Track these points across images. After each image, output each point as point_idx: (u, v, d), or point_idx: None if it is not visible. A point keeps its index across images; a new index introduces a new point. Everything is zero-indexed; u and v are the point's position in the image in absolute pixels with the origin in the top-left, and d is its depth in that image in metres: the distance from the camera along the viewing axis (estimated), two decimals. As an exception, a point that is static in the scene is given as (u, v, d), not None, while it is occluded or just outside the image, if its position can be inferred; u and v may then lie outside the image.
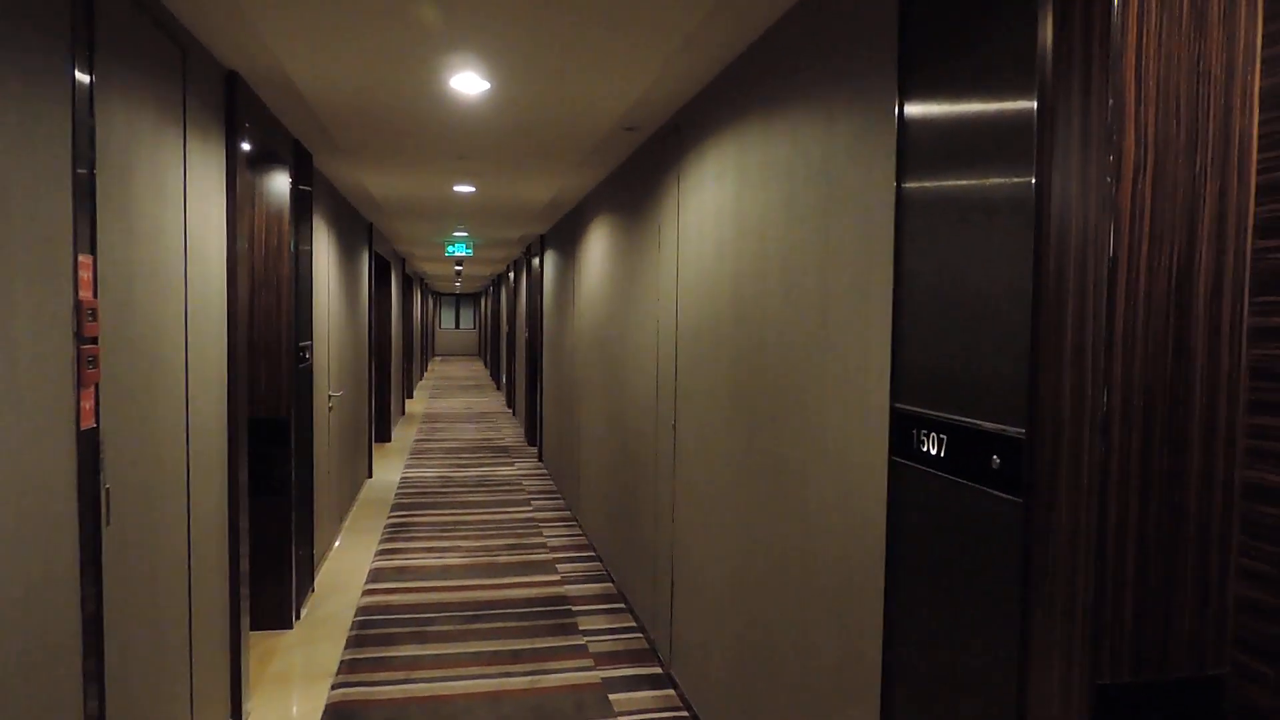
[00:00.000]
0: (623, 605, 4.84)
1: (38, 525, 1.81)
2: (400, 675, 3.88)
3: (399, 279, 13.57)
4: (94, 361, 2.03)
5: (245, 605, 3.45)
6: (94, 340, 2.04)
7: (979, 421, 1.53)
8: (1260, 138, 1.33)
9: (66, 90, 1.94)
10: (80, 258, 1.98)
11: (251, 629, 4.38)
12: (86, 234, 2.02)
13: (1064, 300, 1.36)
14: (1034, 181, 1.41)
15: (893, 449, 1.83)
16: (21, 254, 1.74)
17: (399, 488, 8.00)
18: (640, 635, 4.39)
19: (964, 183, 1.62)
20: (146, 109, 2.44)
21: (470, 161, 5.14)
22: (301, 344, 4.66)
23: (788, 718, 2.49)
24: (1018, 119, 1.47)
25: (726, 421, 3.10)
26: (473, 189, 6.20)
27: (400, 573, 5.39)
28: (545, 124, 4.11)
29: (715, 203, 3.27)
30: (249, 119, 3.46)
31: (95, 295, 2.06)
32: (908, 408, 1.77)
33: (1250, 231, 1.33)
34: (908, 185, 1.82)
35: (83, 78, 2.01)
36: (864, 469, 2.03)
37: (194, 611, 2.89)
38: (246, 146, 3.81)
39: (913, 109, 1.81)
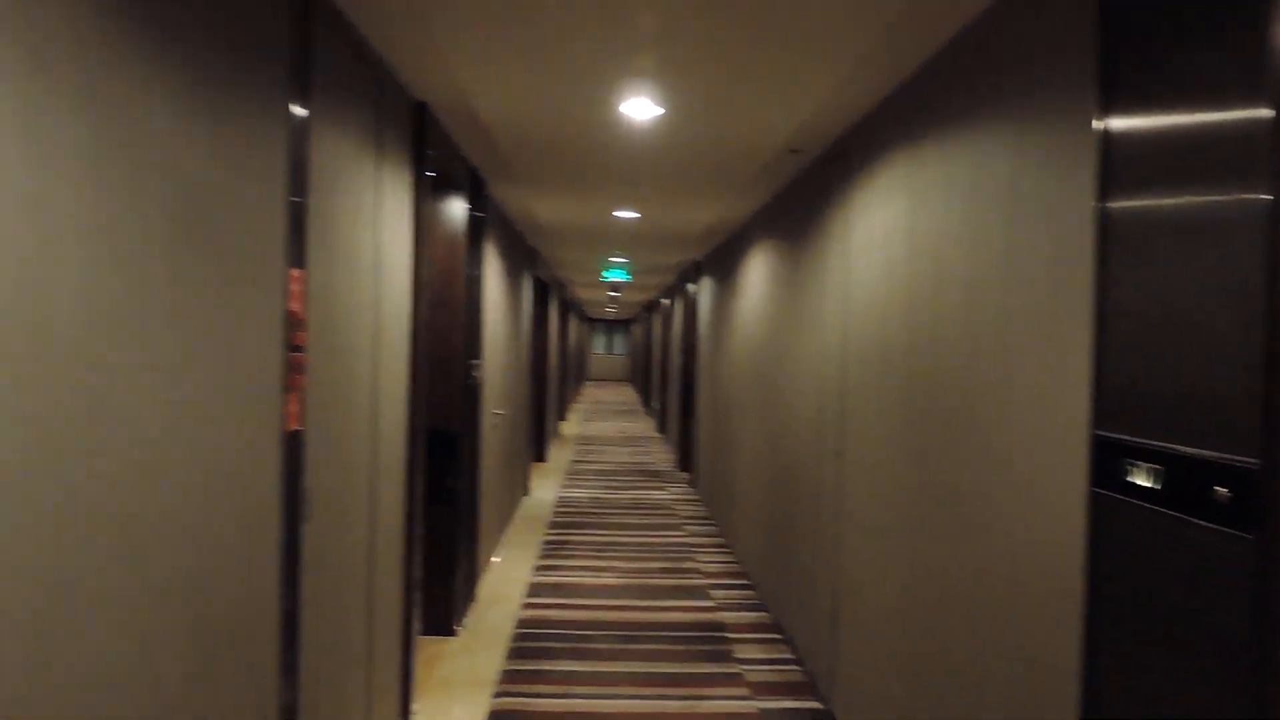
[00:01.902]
0: (779, 635, 4.74)
1: (248, 519, 1.95)
2: (559, 689, 3.93)
3: (558, 304, 13.97)
4: (300, 368, 2.17)
5: (417, 610, 3.59)
6: (301, 348, 2.19)
7: (1201, 451, 1.41)
8: None
9: (285, 123, 2.10)
10: (292, 271, 2.13)
11: (421, 634, 4.56)
12: (298, 250, 2.18)
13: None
14: (1270, 197, 1.29)
15: (1094, 480, 1.71)
16: (247, 268, 1.89)
17: (555, 506, 8.18)
18: (798, 667, 4.28)
19: (1183, 200, 1.50)
20: (348, 138, 2.61)
21: (636, 187, 5.24)
22: (470, 362, 4.86)
23: (964, 762, 2.36)
24: (1247, 128, 1.35)
25: (896, 448, 2.99)
26: (635, 215, 6.32)
27: (557, 588, 5.49)
28: (713, 148, 4.14)
29: (886, 224, 3.19)
30: (433, 147, 3.66)
31: (303, 307, 2.21)
32: (1114, 436, 1.65)
33: None
34: (1113, 203, 1.70)
35: (299, 111, 2.17)
36: (1056, 501, 1.90)
37: (372, 612, 3.04)
38: (430, 173, 4.03)
39: (1117, 122, 1.70)
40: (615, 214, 6.33)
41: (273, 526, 2.09)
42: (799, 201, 4.71)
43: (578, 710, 3.72)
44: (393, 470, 3.25)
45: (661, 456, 11.93)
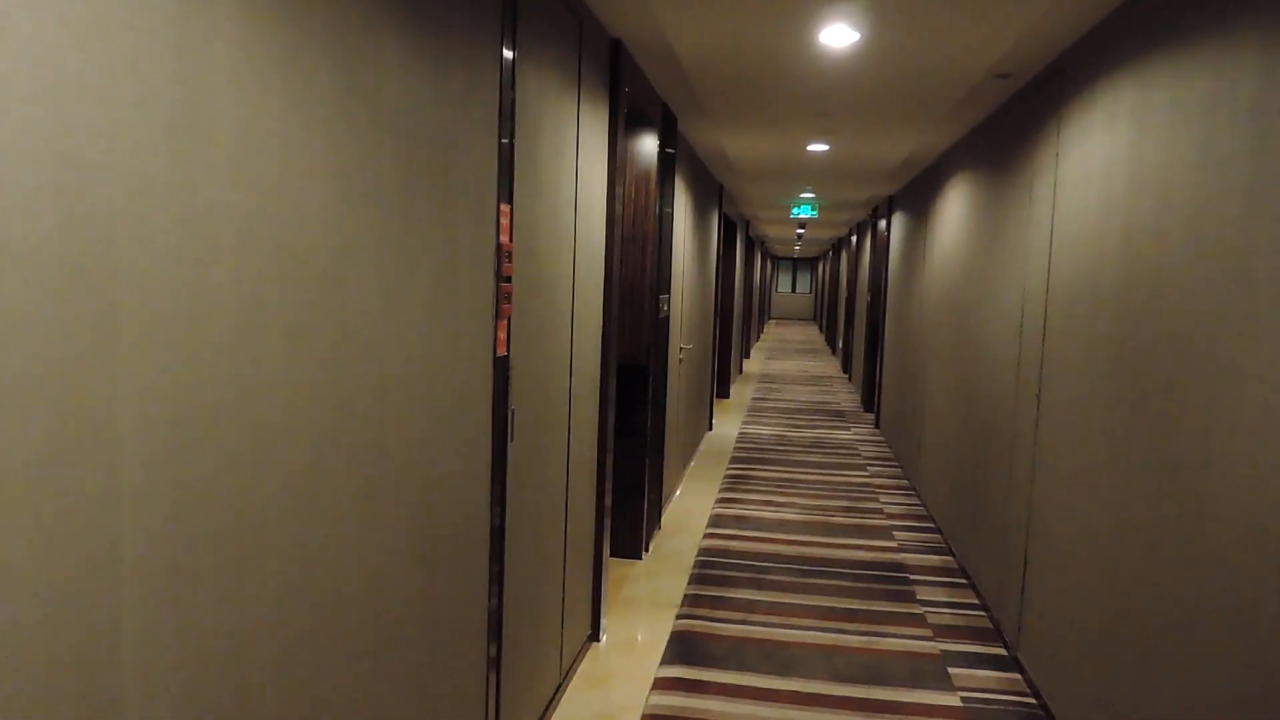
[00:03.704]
0: (964, 580, 4.64)
1: (466, 440, 2.13)
2: (739, 615, 4.05)
3: (743, 241, 13.91)
4: (508, 297, 2.33)
5: (607, 534, 3.79)
6: (509, 279, 2.34)
7: None
8: None
9: (496, 65, 2.22)
10: (501, 206, 2.27)
11: (610, 556, 4.81)
12: (506, 186, 2.31)
13: None
14: None
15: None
16: (463, 203, 2.04)
17: (737, 442, 8.28)
18: (983, 613, 4.19)
19: None
20: (549, 78, 2.72)
21: (829, 119, 5.11)
22: (659, 297, 4.97)
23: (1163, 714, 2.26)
24: None
25: (1104, 391, 2.83)
26: (826, 148, 6.17)
27: (738, 521, 5.61)
28: (912, 75, 3.97)
29: (1103, 152, 2.97)
30: (628, 84, 3.72)
31: (510, 240, 2.35)
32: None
33: None
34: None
35: (508, 54, 2.28)
36: (1289, 451, 1.76)
37: (567, 532, 3.24)
38: (625, 111, 4.10)
39: None
40: (808, 148, 6.21)
41: (484, 447, 2.27)
42: (1003, 131, 4.44)
43: (756, 637, 3.82)
44: (587, 398, 3.41)
45: (845, 396, 11.75)
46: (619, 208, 3.68)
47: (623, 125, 3.71)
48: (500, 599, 2.44)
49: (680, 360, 6.29)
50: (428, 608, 1.96)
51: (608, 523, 3.80)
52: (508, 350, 2.38)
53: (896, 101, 4.54)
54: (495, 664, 2.44)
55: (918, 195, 7.38)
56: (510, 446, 2.45)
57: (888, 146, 6.05)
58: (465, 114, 2.03)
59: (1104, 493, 2.78)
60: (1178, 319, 2.33)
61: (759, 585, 4.46)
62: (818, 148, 6.16)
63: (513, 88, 2.33)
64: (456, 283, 2.02)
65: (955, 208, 5.69)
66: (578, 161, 3.10)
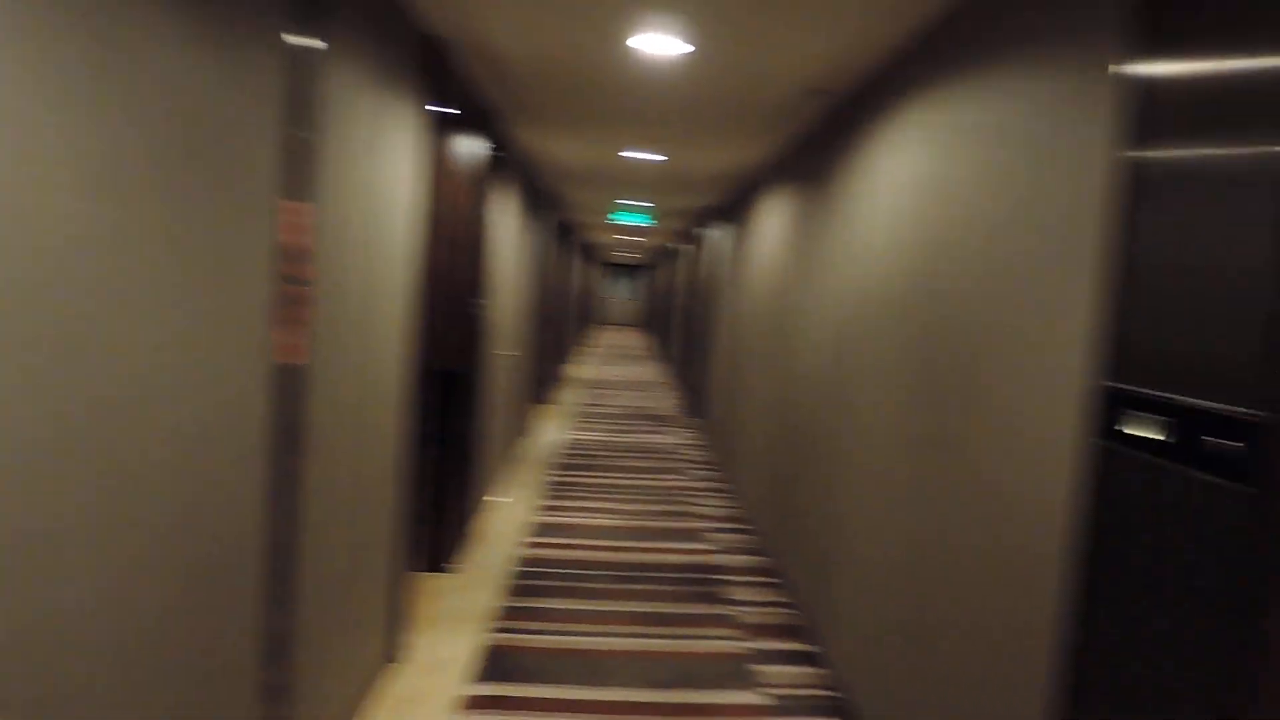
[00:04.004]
0: (777, 580, 4.77)
1: (235, 450, 1.94)
2: (554, 626, 3.97)
3: (571, 246, 13.89)
4: (301, 301, 2.14)
5: (413, 546, 3.61)
6: (304, 282, 2.15)
7: (1206, 403, 1.37)
8: None
9: (280, 51, 2.04)
10: (290, 204, 2.09)
11: (417, 571, 4.61)
12: (304, 183, 2.13)
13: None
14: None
15: (1094, 430, 1.67)
16: (248, 200, 1.85)
17: (560, 449, 8.21)
18: (793, 611, 4.31)
19: (1211, 151, 1.44)
20: (363, 70, 2.55)
21: (652, 127, 5.14)
22: (479, 302, 4.82)
23: (946, 708, 2.37)
24: None
25: (900, 398, 2.96)
26: (653, 156, 6.22)
27: (557, 529, 5.53)
28: (733, 89, 4.03)
29: (899, 170, 3.11)
30: (447, 82, 3.58)
31: (308, 241, 2.17)
32: (1120, 386, 1.61)
33: None
34: (1135, 152, 1.64)
35: (297, 41, 2.11)
36: (1053, 451, 1.87)
37: (365, 546, 3.05)
38: (442, 109, 3.95)
39: (1146, 69, 1.63)
40: (631, 154, 6.23)
41: (261, 460, 2.08)
42: (819, 146, 4.61)
43: (571, 647, 3.76)
44: (393, 406, 3.24)
45: (671, 402, 11.94)
46: (437, 208, 3.53)
47: (442, 125, 3.56)
48: (286, 620, 2.24)
49: (502, 366, 6.16)
50: (186, 629, 1.76)
51: (413, 533, 3.62)
52: (301, 357, 2.19)
53: (717, 113, 4.62)
54: (279, 690, 2.24)
55: (742, 205, 7.58)
56: (302, 458, 2.26)
57: (711, 157, 6.17)
58: (241, 102, 1.85)
59: (899, 499, 2.90)
60: (961, 331, 2.45)
61: (575, 594, 4.40)
62: (643, 155, 6.20)
63: (314, 79, 2.16)
64: (233, 286, 1.84)
65: (775, 218, 5.87)
66: (390, 160, 2.93)
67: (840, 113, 4.08)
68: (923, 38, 2.96)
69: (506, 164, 5.80)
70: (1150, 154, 1.60)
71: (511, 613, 4.11)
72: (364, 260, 2.76)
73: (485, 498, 5.89)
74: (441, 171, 4.50)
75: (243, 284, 1.92)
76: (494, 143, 4.96)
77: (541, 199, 8.82)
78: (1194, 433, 1.39)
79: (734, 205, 7.86)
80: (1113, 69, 1.73)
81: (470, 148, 4.57)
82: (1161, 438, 1.46)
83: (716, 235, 9.13)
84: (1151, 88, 1.61)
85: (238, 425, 1.94)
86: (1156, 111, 1.59)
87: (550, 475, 7.06)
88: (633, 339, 26.18)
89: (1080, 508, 1.70)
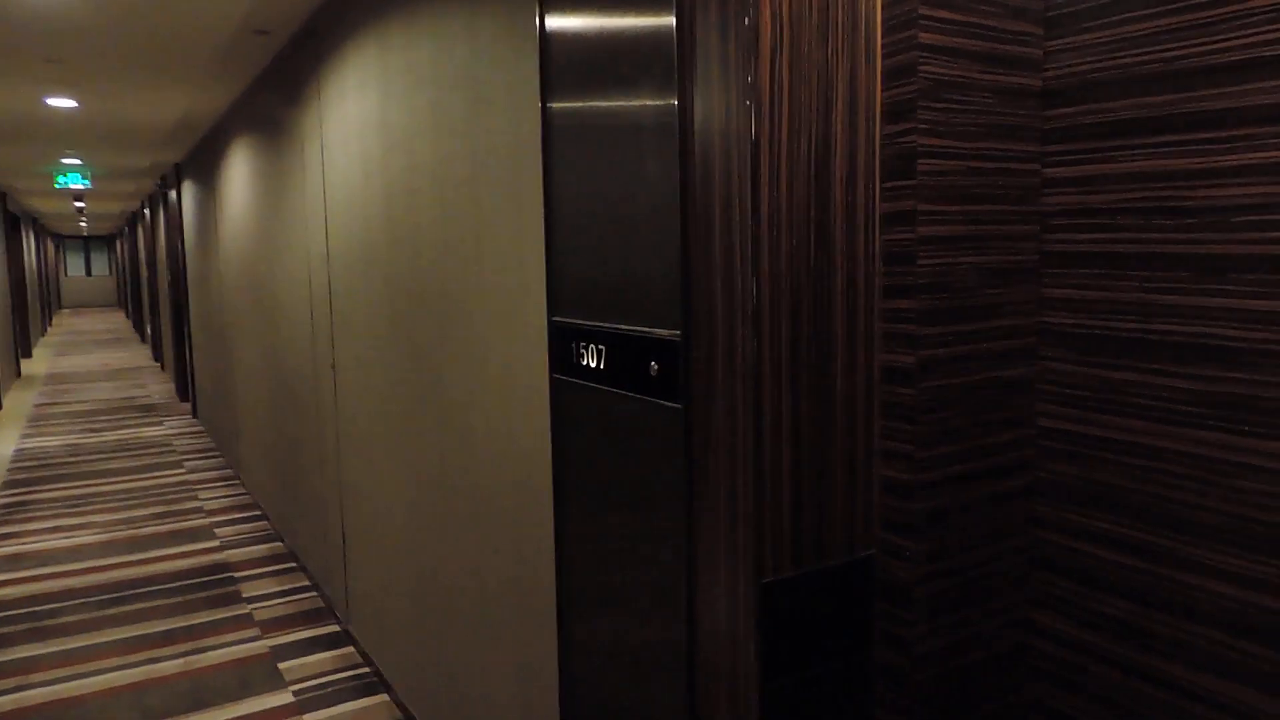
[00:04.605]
0: (294, 564, 4.44)
1: None
2: (11, 683, 3.25)
3: (2, 217, 11.43)
4: None
5: None
6: None
7: (637, 328, 1.45)
8: (884, 21, 1.33)
9: None
10: None
11: None
12: None
13: (710, 195, 1.29)
14: (676, 101, 1.32)
15: (553, 366, 1.72)
16: None
17: (11, 463, 6.78)
18: (314, 594, 4.05)
19: (607, 103, 1.50)
20: None
21: (65, 68, 4.28)
22: None
23: (467, 654, 2.37)
24: (656, 34, 1.36)
25: (386, 353, 2.85)
26: (75, 104, 5.22)
27: (12, 561, 4.55)
28: (158, 24, 3.47)
29: (360, 114, 2.95)
30: None
31: None
32: (566, 321, 1.65)
33: (879, 117, 1.33)
34: (551, 102, 1.67)
35: None
36: (527, 390, 1.91)
37: None
38: None
39: (552, 21, 1.65)
40: (50, 102, 5.17)
41: None
42: (274, 92, 4.22)
43: (40, 701, 3.10)
44: None
45: (158, 389, 10.54)
46: None
47: None
48: None
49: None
50: None
51: None
52: None
53: (144, 54, 3.98)
54: None
55: (204, 162, 6.78)
56: None
57: (151, 106, 5.36)
58: None
59: (400, 455, 2.81)
60: (434, 277, 2.40)
61: (41, 635, 3.65)
62: (63, 102, 5.18)
63: None
64: None
65: (239, 173, 5.32)
66: None
67: (293, 55, 3.76)
68: (364, -28, 2.79)
69: None
70: (558, 104, 1.64)
71: (-53, 681, 3.27)
72: None
73: (-100, 544, 4.62)
74: None
75: None
76: None
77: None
78: (628, 357, 1.46)
79: (200, 162, 7.01)
80: (535, 19, 1.74)
81: None
82: (602, 365, 1.53)
83: (185, 195, 8.10)
84: (554, 40, 1.64)
85: None
86: (559, 63, 1.63)
87: (3, 497, 5.79)
88: (109, 320, 22.65)
89: (552, 440, 1.75)
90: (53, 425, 8.30)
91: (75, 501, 5.65)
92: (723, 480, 1.30)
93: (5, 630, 3.70)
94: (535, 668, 1.98)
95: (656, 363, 1.39)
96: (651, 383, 1.41)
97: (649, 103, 1.40)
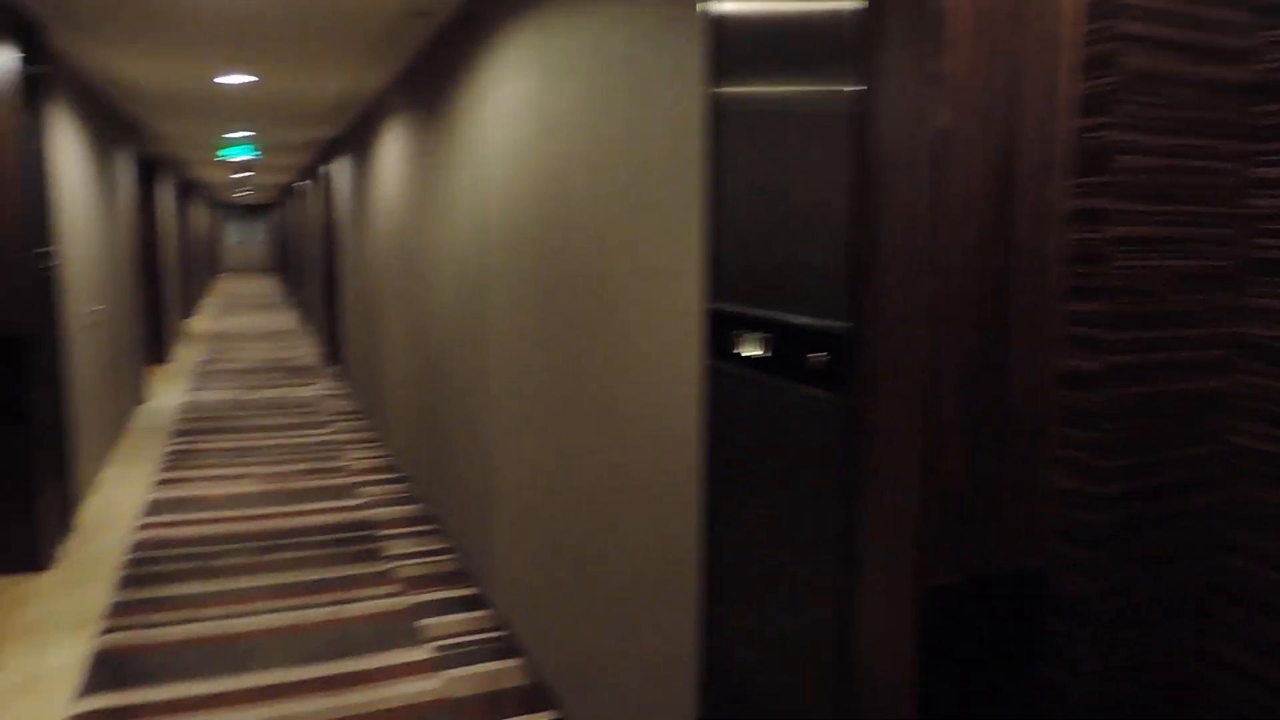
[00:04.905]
0: (434, 527, 4.64)
1: None
2: (182, 615, 3.53)
3: (174, 185, 12.30)
4: None
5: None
6: None
7: (801, 318, 1.44)
8: (1081, 10, 1.27)
9: None
10: None
11: (2, 574, 3.86)
12: None
13: (887, 185, 1.26)
14: (856, 87, 1.30)
15: (708, 352, 1.72)
16: None
17: (180, 413, 7.33)
18: (452, 557, 4.22)
19: (781, 88, 1.49)
20: None
21: (244, 47, 4.55)
22: (41, 251, 4.04)
23: (605, 629, 2.42)
24: (836, 19, 1.34)
25: (534, 331, 2.92)
26: (251, 79, 5.56)
27: (181, 504, 4.93)
28: (330, 4, 3.65)
29: (518, 97, 3.02)
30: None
31: None
32: (725, 308, 1.66)
33: (1072, 110, 1.27)
34: (720, 88, 1.66)
35: None
36: (677, 374, 1.92)
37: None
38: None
39: (719, 6, 1.65)
40: (229, 80, 5.52)
41: None
42: (432, 71, 4.38)
43: (204, 635, 3.36)
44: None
45: (306, 351, 11.16)
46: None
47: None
48: None
49: (88, 326, 5.27)
50: None
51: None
52: None
53: (317, 33, 4.19)
54: None
55: (362, 136, 7.11)
56: None
57: (317, 83, 5.65)
58: None
59: (543, 430, 2.89)
60: (585, 260, 2.44)
61: (207, 574, 3.94)
62: (240, 79, 5.52)
63: None
64: None
65: (396, 149, 5.55)
66: None
67: (453, 35, 3.89)
68: (530, -44, 2.85)
69: (59, 85, 4.88)
70: (726, 89, 1.63)
71: (127, 608, 3.58)
72: None
73: (91, 478, 5.08)
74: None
75: None
76: (41, 59, 4.12)
77: (127, 131, 7.63)
78: (791, 347, 1.45)
79: (355, 136, 7.35)
80: (699, 4, 1.74)
81: (2, 65, 3.74)
82: (763, 354, 1.52)
83: (340, 169, 8.52)
84: (723, 24, 1.63)
85: None
86: (729, 50, 1.63)
87: (172, 444, 6.27)
88: (263, 285, 24.11)
89: (704, 426, 1.76)
90: (214, 381, 8.92)
91: (234, 453, 6.06)
92: (887, 478, 1.28)
93: (179, 567, 4.02)
94: (671, 648, 2.01)
95: (821, 354, 1.38)
96: (814, 374, 1.40)
97: (826, 88, 1.38)
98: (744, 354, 1.60)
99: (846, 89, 1.33)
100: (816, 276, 1.40)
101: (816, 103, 1.40)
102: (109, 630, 3.39)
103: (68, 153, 4.89)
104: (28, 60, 3.90)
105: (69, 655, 3.21)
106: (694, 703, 1.89)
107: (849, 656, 1.34)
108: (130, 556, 4.14)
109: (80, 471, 4.81)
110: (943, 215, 1.25)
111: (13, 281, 3.76)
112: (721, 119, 1.66)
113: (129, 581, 3.85)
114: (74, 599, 3.69)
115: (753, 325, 1.56)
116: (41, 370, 3.96)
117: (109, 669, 3.10)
